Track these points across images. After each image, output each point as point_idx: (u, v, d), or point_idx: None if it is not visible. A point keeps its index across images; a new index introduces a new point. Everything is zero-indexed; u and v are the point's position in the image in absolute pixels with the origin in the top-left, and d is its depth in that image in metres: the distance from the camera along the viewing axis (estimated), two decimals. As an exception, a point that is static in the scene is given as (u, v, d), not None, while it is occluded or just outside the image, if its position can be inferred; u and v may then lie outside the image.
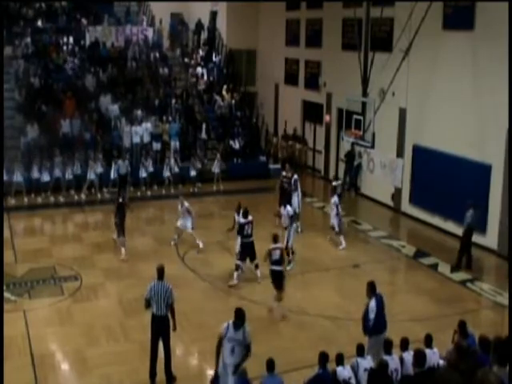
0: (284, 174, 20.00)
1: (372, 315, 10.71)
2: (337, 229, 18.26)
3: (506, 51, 16.97)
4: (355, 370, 9.18)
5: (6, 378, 9.42)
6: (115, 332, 12.95)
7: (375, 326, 10.71)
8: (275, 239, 13.95)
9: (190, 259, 17.13)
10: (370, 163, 23.51)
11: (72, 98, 25.59)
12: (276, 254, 13.74)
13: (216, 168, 24.76)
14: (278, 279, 13.81)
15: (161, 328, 10.92)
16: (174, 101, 27.64)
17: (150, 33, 31.43)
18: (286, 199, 18.53)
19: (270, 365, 8.99)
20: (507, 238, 17.35)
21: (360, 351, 9.42)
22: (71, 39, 29.64)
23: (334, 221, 18.31)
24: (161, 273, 11.02)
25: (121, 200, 17.65)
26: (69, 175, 22.84)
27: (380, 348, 10.03)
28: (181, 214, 17.86)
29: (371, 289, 10.95)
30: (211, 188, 24.55)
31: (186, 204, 17.88)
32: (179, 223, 17.89)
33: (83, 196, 22.73)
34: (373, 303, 10.80)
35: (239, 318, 9.53)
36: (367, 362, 9.30)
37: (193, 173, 24.55)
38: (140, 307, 11.60)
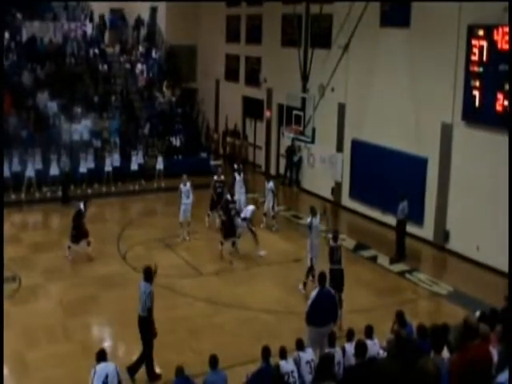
0: (216, 178, 19.63)
1: (309, 305, 10.99)
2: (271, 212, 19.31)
3: (440, 48, 17.46)
4: (297, 363, 9.32)
5: None
6: (56, 333, 12.76)
7: (310, 316, 10.91)
8: (335, 238, 13.65)
9: (131, 258, 16.97)
10: (310, 158, 23.78)
11: (8, 95, 24.96)
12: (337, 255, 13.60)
13: (159, 164, 24.61)
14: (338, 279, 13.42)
15: (140, 328, 11.16)
16: (113, 98, 27.33)
17: (88, 29, 30.93)
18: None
19: (213, 361, 9.03)
20: (441, 229, 17.89)
21: (299, 345, 9.56)
22: (7, 34, 28.88)
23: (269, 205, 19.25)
24: (145, 274, 11.18)
25: (82, 207, 16.86)
26: (6, 173, 22.28)
27: (323, 341, 10.21)
28: (183, 195, 18.19)
29: (319, 280, 11.25)
30: (153, 185, 24.38)
31: (189, 183, 18.33)
32: (182, 217, 18.14)
33: (22, 195, 22.24)
34: (313, 293, 11.10)
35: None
36: (308, 355, 9.45)
37: (134, 167, 24.36)
38: (81, 308, 11.45)
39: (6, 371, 11.56)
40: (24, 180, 22.39)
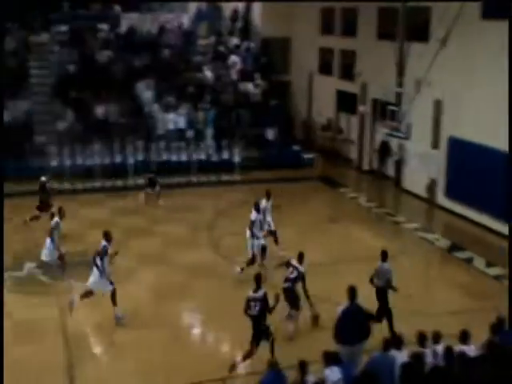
0: None
1: (336, 322, 10.32)
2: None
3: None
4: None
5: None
6: (148, 318, 13.08)
7: (336, 333, 10.25)
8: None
9: (222, 247, 17.16)
10: (404, 155, 23.31)
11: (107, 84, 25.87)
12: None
13: (236, 157, 24.90)
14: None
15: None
16: (208, 89, 27.75)
17: (185, 20, 31.47)
18: None
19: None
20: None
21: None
22: (106, 26, 29.80)
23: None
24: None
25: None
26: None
27: (354, 360, 9.75)
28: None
29: (348, 294, 10.48)
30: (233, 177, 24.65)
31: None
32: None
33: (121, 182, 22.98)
34: (339, 309, 10.47)
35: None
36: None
37: (236, 159, 24.76)
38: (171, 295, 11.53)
39: (101, 351, 12.04)
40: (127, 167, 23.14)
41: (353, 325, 10.27)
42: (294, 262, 12.74)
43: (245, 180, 24.37)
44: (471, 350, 9.25)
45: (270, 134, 26.88)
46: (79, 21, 29.48)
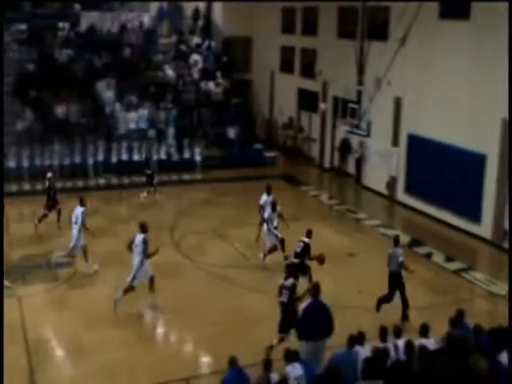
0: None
1: (299, 317, 10.40)
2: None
3: (502, 40, 16.99)
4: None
5: None
6: (111, 318, 13.00)
7: (299, 330, 10.32)
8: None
9: (184, 246, 17.16)
10: (365, 152, 23.54)
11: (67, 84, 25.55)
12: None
13: (197, 156, 24.84)
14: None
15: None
16: (168, 88, 27.59)
17: (145, 19, 31.27)
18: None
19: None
20: (500, 228, 17.49)
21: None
22: (66, 25, 29.42)
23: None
24: None
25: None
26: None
27: (317, 357, 9.91)
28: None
29: (311, 291, 10.57)
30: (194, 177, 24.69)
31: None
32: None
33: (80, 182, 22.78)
34: (303, 305, 10.53)
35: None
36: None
37: (197, 158, 24.63)
38: (135, 295, 11.55)
39: (61, 353, 11.91)
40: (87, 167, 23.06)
41: (316, 321, 10.31)
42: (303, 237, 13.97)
43: (206, 179, 24.36)
44: (431, 343, 9.42)
45: (232, 132, 26.90)
46: (38, 19, 29.07)
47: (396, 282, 13.11)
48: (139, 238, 13.18)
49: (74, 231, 15.06)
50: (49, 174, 18.41)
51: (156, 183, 21.36)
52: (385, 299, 13.16)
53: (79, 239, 15.04)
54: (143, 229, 13.31)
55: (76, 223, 15.03)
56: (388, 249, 13.44)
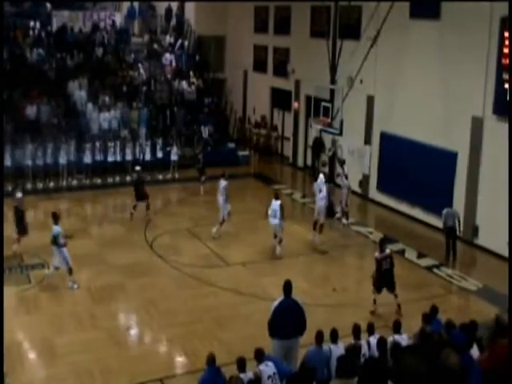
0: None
1: (271, 315, 10.25)
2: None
3: (471, 40, 17.24)
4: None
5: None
6: (83, 320, 12.91)
7: (271, 328, 10.18)
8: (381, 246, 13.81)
9: (158, 246, 17.10)
10: (338, 150, 23.63)
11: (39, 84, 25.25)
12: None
13: (173, 156, 24.71)
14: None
15: None
16: (141, 88, 27.44)
17: (117, 18, 31.07)
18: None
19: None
20: (471, 224, 17.71)
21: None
22: (38, 24, 29.12)
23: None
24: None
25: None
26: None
27: (289, 354, 9.95)
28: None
29: (284, 289, 10.32)
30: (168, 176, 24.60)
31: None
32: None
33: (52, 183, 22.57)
34: (275, 303, 10.34)
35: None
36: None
37: (174, 157, 24.58)
38: (108, 296, 11.54)
39: (33, 356, 11.79)
40: (59, 168, 22.82)
41: (288, 319, 10.28)
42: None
43: (180, 178, 24.26)
44: (403, 339, 9.50)
45: (205, 132, 26.83)
46: (9, 18, 28.73)
47: (451, 234, 16.57)
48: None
49: (55, 252, 14.46)
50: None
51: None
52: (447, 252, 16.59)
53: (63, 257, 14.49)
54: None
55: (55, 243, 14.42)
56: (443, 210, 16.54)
